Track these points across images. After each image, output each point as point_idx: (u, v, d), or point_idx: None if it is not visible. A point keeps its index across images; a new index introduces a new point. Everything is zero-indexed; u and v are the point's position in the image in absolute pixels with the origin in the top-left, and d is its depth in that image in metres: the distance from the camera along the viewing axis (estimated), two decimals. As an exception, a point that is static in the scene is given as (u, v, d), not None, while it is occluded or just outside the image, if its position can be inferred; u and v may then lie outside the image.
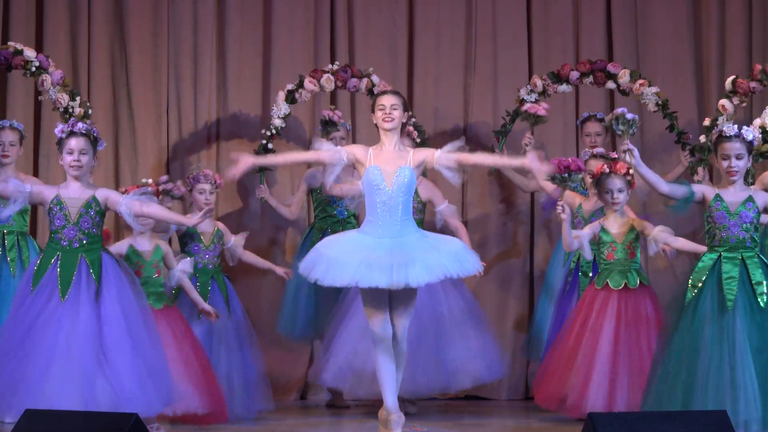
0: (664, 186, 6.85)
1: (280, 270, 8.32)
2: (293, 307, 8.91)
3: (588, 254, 7.73)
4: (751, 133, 6.76)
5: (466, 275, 6.98)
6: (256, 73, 9.79)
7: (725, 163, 6.76)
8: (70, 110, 8.50)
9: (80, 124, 6.87)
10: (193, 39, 9.69)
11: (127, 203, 6.88)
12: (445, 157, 6.96)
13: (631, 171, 7.60)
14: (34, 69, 8.49)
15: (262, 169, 9.10)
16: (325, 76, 9.07)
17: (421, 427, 7.71)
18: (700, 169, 8.73)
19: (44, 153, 9.47)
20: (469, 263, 6.93)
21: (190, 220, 7.15)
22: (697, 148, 8.73)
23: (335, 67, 9.13)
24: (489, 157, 7.35)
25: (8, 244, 8.26)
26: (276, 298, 9.19)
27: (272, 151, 9.10)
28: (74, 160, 6.82)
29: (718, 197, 6.76)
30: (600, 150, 8.33)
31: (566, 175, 7.39)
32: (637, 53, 9.85)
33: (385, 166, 6.94)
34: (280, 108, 9.11)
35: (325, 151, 7.01)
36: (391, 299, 6.94)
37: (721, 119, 8.56)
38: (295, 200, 9.15)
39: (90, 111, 8.61)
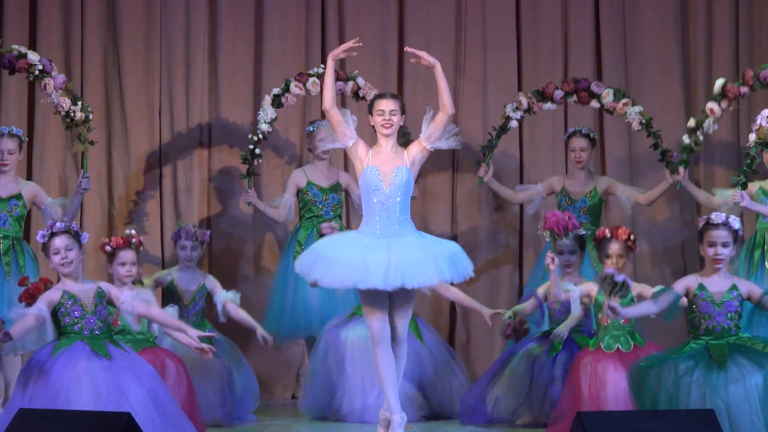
0: (653, 308, 6.84)
1: (261, 332, 8.01)
2: (280, 308, 8.92)
3: (576, 311, 7.69)
4: (738, 222, 6.83)
5: (459, 280, 7.01)
6: (247, 74, 9.82)
7: (711, 251, 6.78)
8: (72, 114, 8.49)
9: (58, 224, 6.88)
10: (186, 41, 9.72)
11: (130, 303, 6.86)
12: (426, 136, 7.01)
13: (632, 237, 7.60)
14: (37, 72, 8.42)
15: (250, 174, 9.11)
16: (311, 79, 9.04)
17: (412, 427, 7.75)
18: (681, 169, 8.72)
19: (38, 155, 9.49)
20: (464, 268, 6.97)
21: (190, 331, 6.94)
22: (680, 148, 8.73)
23: (321, 71, 9.07)
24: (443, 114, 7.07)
25: (3, 248, 8.29)
26: (266, 299, 9.24)
27: (260, 156, 9.11)
28: (62, 258, 6.81)
29: (702, 287, 6.79)
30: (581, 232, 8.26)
31: (563, 234, 7.42)
32: (625, 55, 9.88)
33: (383, 166, 6.97)
34: (267, 113, 9.07)
35: (344, 124, 6.98)
36: (391, 300, 6.98)
37: (707, 122, 8.56)
38: (282, 201, 9.17)
39: (91, 116, 8.59)
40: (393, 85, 9.78)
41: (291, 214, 9.19)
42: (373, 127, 7.12)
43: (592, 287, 7.66)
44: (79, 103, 8.51)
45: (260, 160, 9.19)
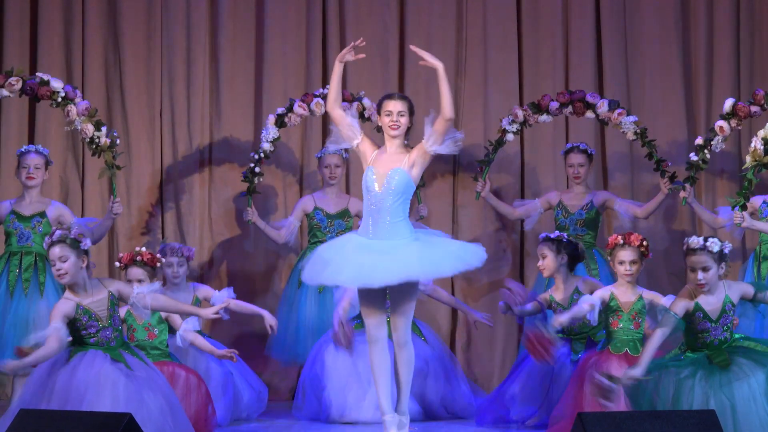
0: (660, 339, 6.72)
1: (269, 319, 7.94)
2: (284, 332, 8.93)
3: (596, 320, 7.56)
4: (717, 245, 6.75)
5: (466, 269, 6.86)
6: (248, 75, 9.83)
7: (692, 276, 6.75)
8: (96, 140, 8.51)
9: (57, 232, 6.77)
10: (186, 42, 9.74)
11: (140, 299, 6.83)
12: (430, 142, 6.88)
13: (645, 242, 7.56)
14: (60, 99, 8.44)
15: (250, 192, 9.13)
16: (315, 100, 9.06)
17: (412, 427, 7.76)
18: (687, 186, 8.72)
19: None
20: (471, 256, 6.85)
21: (204, 311, 7.00)
22: (687, 165, 8.72)
23: (326, 91, 9.00)
24: (443, 116, 6.91)
25: (24, 264, 8.31)
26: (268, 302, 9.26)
27: (260, 174, 9.13)
28: (57, 270, 6.75)
29: (698, 306, 6.74)
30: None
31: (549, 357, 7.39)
32: (626, 56, 9.89)
33: (379, 167, 6.87)
34: (269, 132, 9.09)
35: (348, 122, 6.91)
36: (392, 300, 6.93)
37: (716, 140, 8.54)
38: (286, 224, 9.20)
39: (118, 141, 8.63)
40: (394, 86, 9.78)
41: (292, 237, 9.20)
42: (376, 128, 7.09)
43: (603, 292, 7.61)
44: (103, 128, 8.53)
45: (261, 179, 9.20)
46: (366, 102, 9.11)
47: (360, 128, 6.97)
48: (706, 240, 6.76)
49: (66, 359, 6.66)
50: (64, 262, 6.72)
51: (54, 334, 6.59)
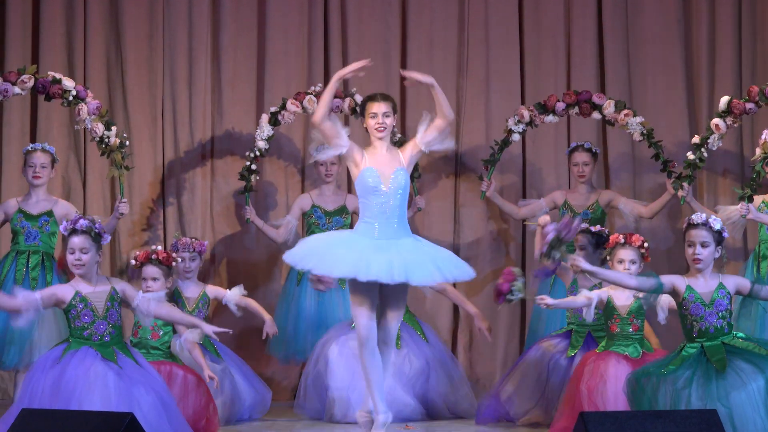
0: (631, 281, 6.81)
1: (269, 326, 8.13)
2: (282, 331, 8.93)
3: (591, 317, 7.47)
4: (719, 223, 6.79)
5: (461, 279, 6.98)
6: (250, 75, 9.83)
7: (690, 250, 6.76)
8: (106, 140, 8.53)
9: (82, 221, 6.77)
10: (188, 42, 9.74)
11: (145, 305, 6.82)
12: (424, 139, 6.94)
13: (645, 244, 7.56)
14: (71, 98, 8.48)
15: (248, 190, 9.16)
16: (308, 97, 9.11)
17: (413, 427, 7.77)
18: (684, 185, 8.75)
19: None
20: (465, 269, 6.94)
21: (206, 326, 6.99)
22: (684, 164, 8.74)
23: (318, 89, 9.13)
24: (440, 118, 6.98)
25: (32, 262, 8.33)
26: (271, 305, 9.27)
27: (256, 172, 9.19)
28: (76, 259, 6.73)
29: (690, 289, 6.74)
30: (584, 225, 8.16)
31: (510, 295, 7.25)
32: (628, 56, 9.88)
33: (381, 167, 6.92)
34: (263, 130, 9.15)
35: (336, 134, 6.87)
36: (383, 301, 6.96)
37: (712, 138, 8.57)
38: (284, 222, 9.21)
39: (127, 142, 8.68)
40: (395, 86, 9.77)
41: (291, 235, 9.21)
42: (365, 128, 7.10)
43: (602, 294, 7.59)
44: (114, 128, 8.56)
45: (257, 176, 9.23)
46: (358, 98, 9.12)
47: (347, 135, 6.94)
48: (708, 217, 6.80)
49: (58, 358, 6.65)
50: (85, 253, 6.73)
51: (26, 297, 6.60)
